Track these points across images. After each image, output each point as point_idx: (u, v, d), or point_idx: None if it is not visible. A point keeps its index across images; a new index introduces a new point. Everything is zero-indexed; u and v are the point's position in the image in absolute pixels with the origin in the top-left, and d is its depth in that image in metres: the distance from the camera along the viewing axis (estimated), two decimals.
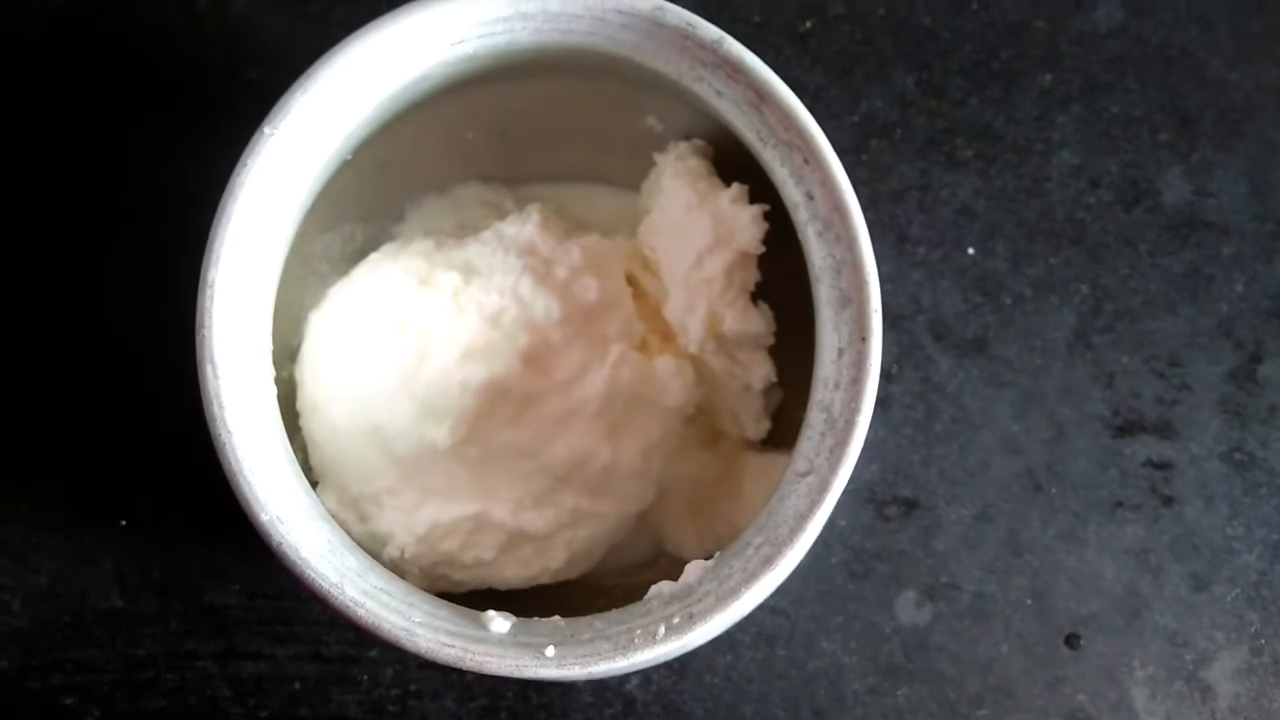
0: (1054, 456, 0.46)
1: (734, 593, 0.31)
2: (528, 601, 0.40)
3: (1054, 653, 0.46)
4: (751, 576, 0.31)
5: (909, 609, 0.46)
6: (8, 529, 0.45)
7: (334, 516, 0.38)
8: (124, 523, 0.45)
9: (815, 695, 0.45)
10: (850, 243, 0.32)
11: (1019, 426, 0.47)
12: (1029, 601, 0.46)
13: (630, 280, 0.40)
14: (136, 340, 0.45)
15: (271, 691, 0.45)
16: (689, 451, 0.42)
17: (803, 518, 0.31)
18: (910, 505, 0.46)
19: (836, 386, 0.32)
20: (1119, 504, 0.46)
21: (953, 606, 0.46)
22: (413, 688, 0.45)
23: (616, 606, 0.42)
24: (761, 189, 0.37)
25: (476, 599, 0.39)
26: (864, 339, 0.32)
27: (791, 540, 0.31)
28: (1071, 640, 0.46)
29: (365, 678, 0.45)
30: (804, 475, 0.32)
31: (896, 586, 0.46)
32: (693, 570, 0.33)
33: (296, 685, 0.45)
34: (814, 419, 0.33)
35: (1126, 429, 0.47)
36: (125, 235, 0.46)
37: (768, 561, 0.31)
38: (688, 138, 0.41)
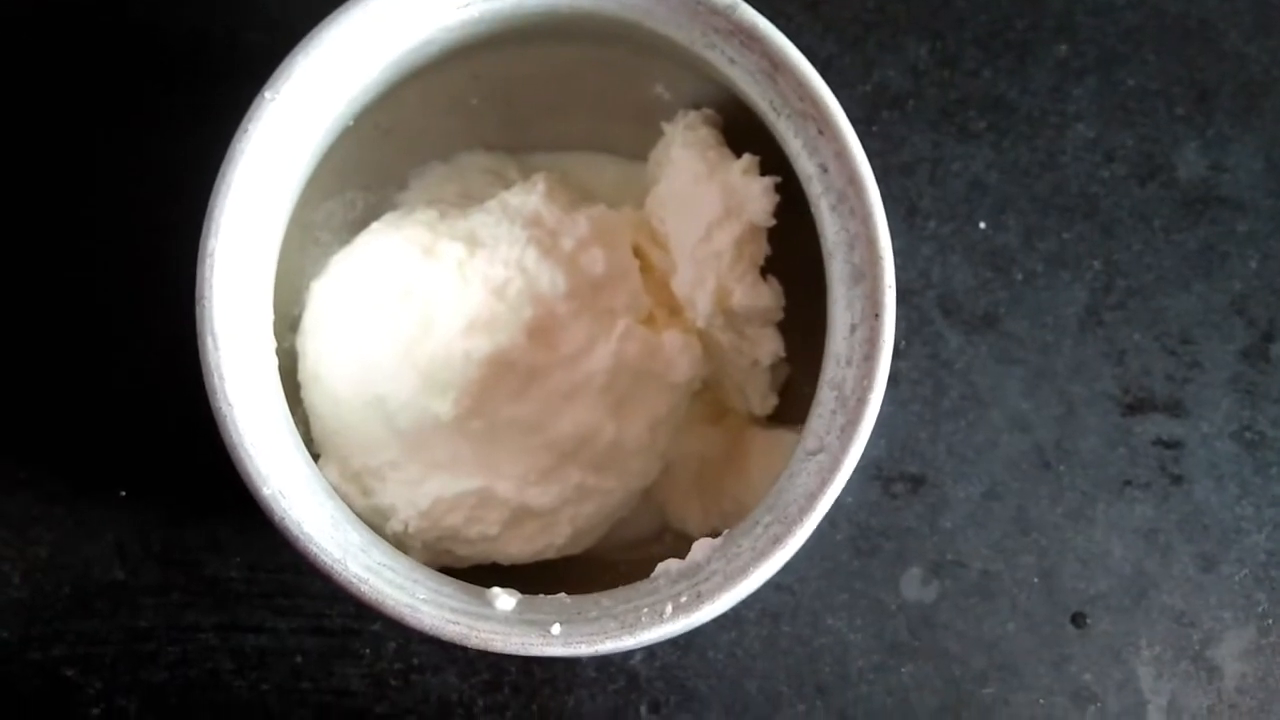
0: (1063, 434, 0.46)
1: (742, 571, 0.31)
2: (532, 577, 0.39)
3: (1060, 631, 0.45)
4: (760, 555, 0.31)
5: (915, 586, 0.46)
6: (8, 500, 0.45)
7: (336, 490, 0.38)
8: (124, 493, 0.45)
9: (820, 672, 0.45)
10: (865, 217, 0.32)
11: (1028, 404, 0.46)
12: (1036, 580, 0.46)
13: (637, 253, 0.40)
14: (136, 309, 0.45)
15: (273, 664, 0.44)
16: (695, 427, 0.42)
17: (812, 496, 0.31)
18: (917, 482, 0.46)
19: (848, 363, 0.32)
20: (1128, 483, 0.46)
21: (959, 584, 0.45)
22: (415, 661, 0.45)
23: (622, 582, 0.42)
24: (772, 159, 0.36)
25: (480, 574, 0.39)
26: (877, 315, 0.31)
27: (801, 519, 0.31)
28: (1078, 619, 0.46)
29: (367, 651, 0.45)
30: (814, 454, 0.32)
31: (902, 564, 0.45)
32: (700, 548, 0.33)
33: (298, 658, 0.44)
34: (825, 396, 0.32)
35: (1136, 407, 0.46)
36: (124, 203, 0.46)
37: (777, 540, 0.31)
38: (697, 107, 0.40)
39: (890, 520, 0.46)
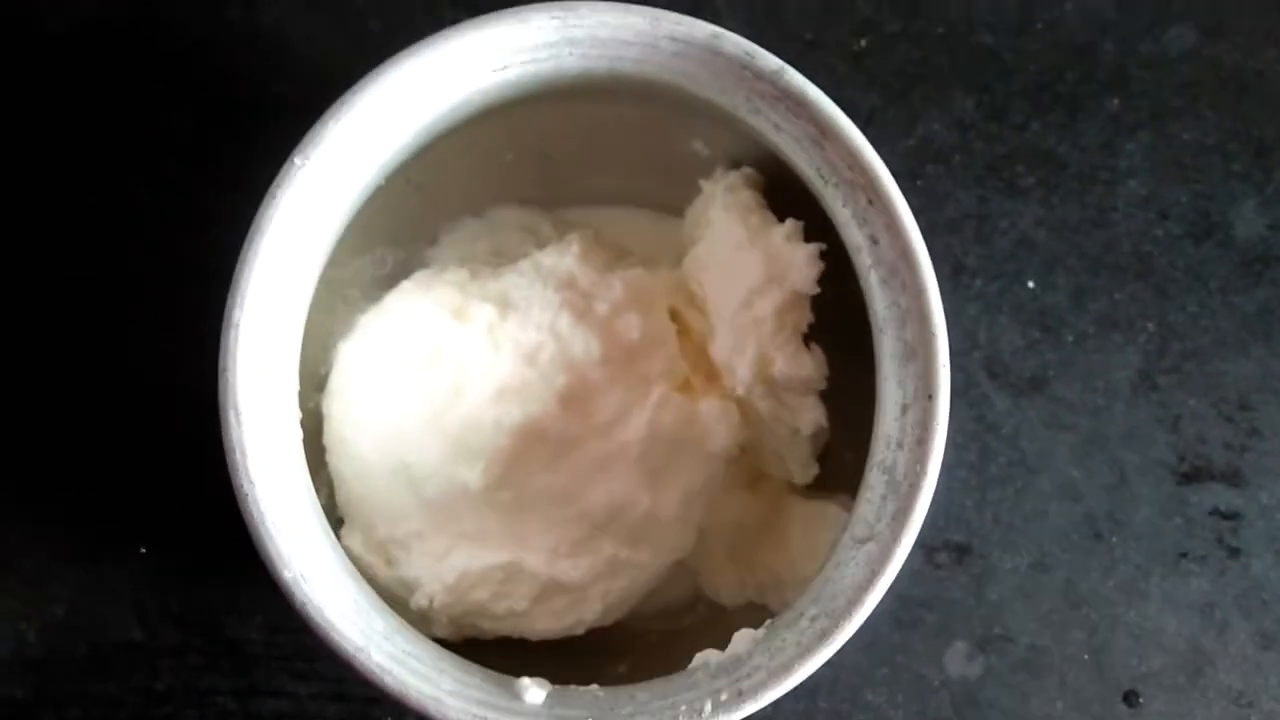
0: (1115, 503, 0.45)
1: (786, 668, 0.29)
2: (558, 646, 0.38)
3: (1111, 711, 0.44)
4: (806, 651, 0.29)
5: (959, 661, 0.44)
6: (25, 558, 0.44)
7: (359, 559, 0.37)
8: (144, 550, 0.44)
9: None
10: (917, 292, 0.30)
11: (1079, 471, 0.45)
12: (1086, 656, 0.44)
13: (674, 316, 0.39)
14: (159, 364, 0.44)
15: None
16: (731, 494, 0.40)
17: (861, 589, 0.29)
18: (962, 552, 0.44)
19: (899, 446, 0.30)
20: (1183, 555, 0.44)
21: (1005, 659, 0.44)
22: None
23: (652, 653, 0.40)
24: (815, 222, 0.35)
25: (507, 643, 0.38)
26: (930, 396, 0.30)
27: (849, 613, 0.29)
28: (1130, 698, 0.44)
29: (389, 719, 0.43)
30: (863, 542, 0.30)
31: (946, 637, 0.44)
32: (741, 640, 0.31)
33: None
34: (874, 480, 0.30)
35: (1192, 475, 0.45)
36: (150, 255, 0.45)
37: (823, 636, 0.29)
38: (736, 163, 0.39)
39: (934, 591, 0.44)
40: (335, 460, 0.38)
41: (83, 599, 0.44)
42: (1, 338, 0.45)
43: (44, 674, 0.43)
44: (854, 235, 0.32)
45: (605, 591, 0.37)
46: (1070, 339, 0.45)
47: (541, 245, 0.40)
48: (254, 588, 0.44)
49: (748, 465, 0.41)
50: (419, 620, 0.37)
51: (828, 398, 0.39)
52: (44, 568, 0.44)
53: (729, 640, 0.33)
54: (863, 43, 0.46)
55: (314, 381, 0.39)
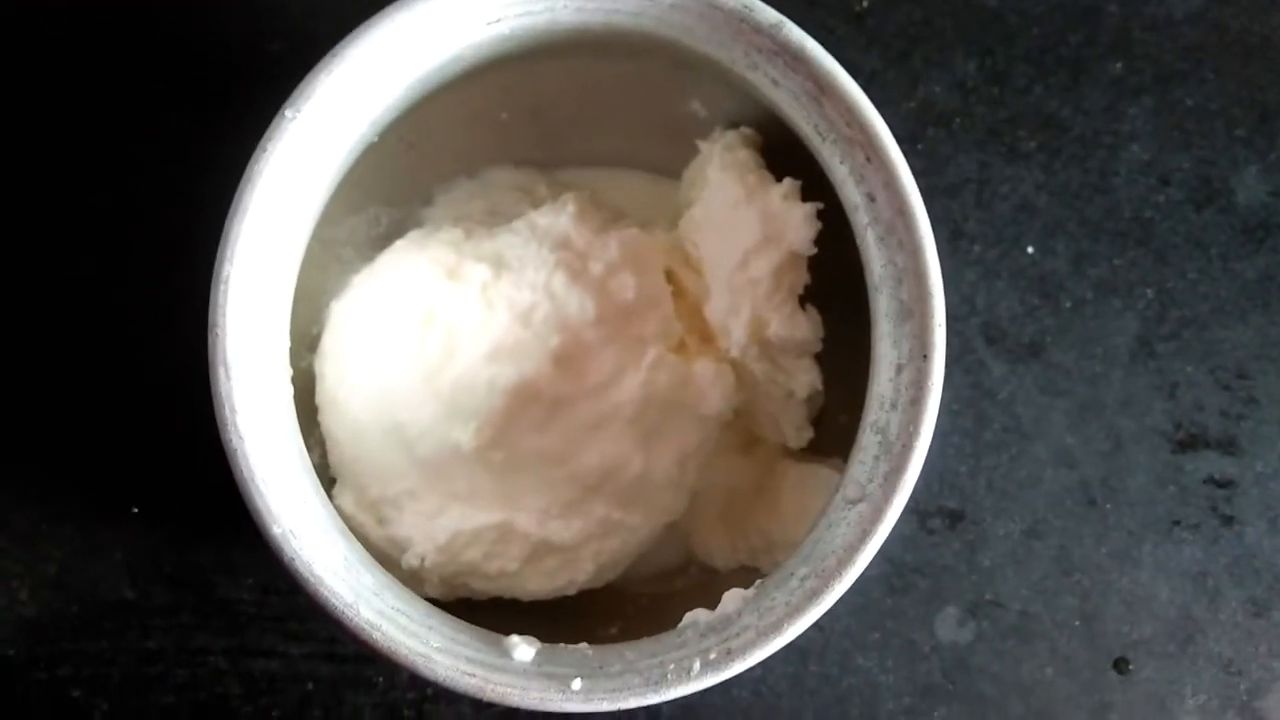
0: (1110, 470, 0.44)
1: (775, 628, 0.29)
2: (550, 608, 0.38)
3: (1101, 677, 0.44)
4: (795, 611, 0.29)
5: (950, 627, 0.44)
6: (17, 516, 0.44)
7: (351, 519, 0.37)
8: (135, 510, 0.44)
9: (848, 714, 0.44)
10: (914, 251, 0.30)
11: (1074, 438, 0.44)
12: (1077, 623, 0.44)
13: (669, 277, 0.38)
14: (152, 325, 0.43)
15: (283, 690, 0.43)
16: (724, 457, 0.40)
17: (852, 549, 0.29)
18: (955, 517, 0.44)
19: (893, 406, 0.30)
20: (1177, 523, 0.44)
21: (996, 626, 0.44)
22: (429, 691, 0.43)
23: (643, 615, 0.40)
24: (813, 182, 0.35)
25: (499, 605, 0.37)
26: (925, 356, 0.30)
27: (839, 573, 0.29)
28: (1120, 665, 0.44)
29: (380, 679, 0.43)
30: (854, 502, 0.30)
31: (938, 603, 0.44)
32: (731, 600, 0.31)
33: (309, 685, 0.43)
34: (867, 441, 0.30)
35: (1188, 443, 0.45)
36: (142, 216, 0.44)
37: (813, 595, 0.29)
38: (734, 124, 0.39)
39: (926, 557, 0.44)
40: (327, 420, 0.37)
41: (75, 558, 0.43)
42: None
43: (35, 632, 0.43)
44: (851, 193, 0.31)
45: (597, 552, 0.37)
46: (1069, 305, 0.45)
47: (537, 205, 0.40)
48: (246, 548, 0.44)
49: (742, 429, 0.41)
50: (410, 580, 0.36)
51: (823, 360, 0.39)
52: (36, 526, 0.43)
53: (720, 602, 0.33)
54: (864, 3, 0.45)
55: (307, 341, 0.39)
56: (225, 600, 0.43)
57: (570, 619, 0.38)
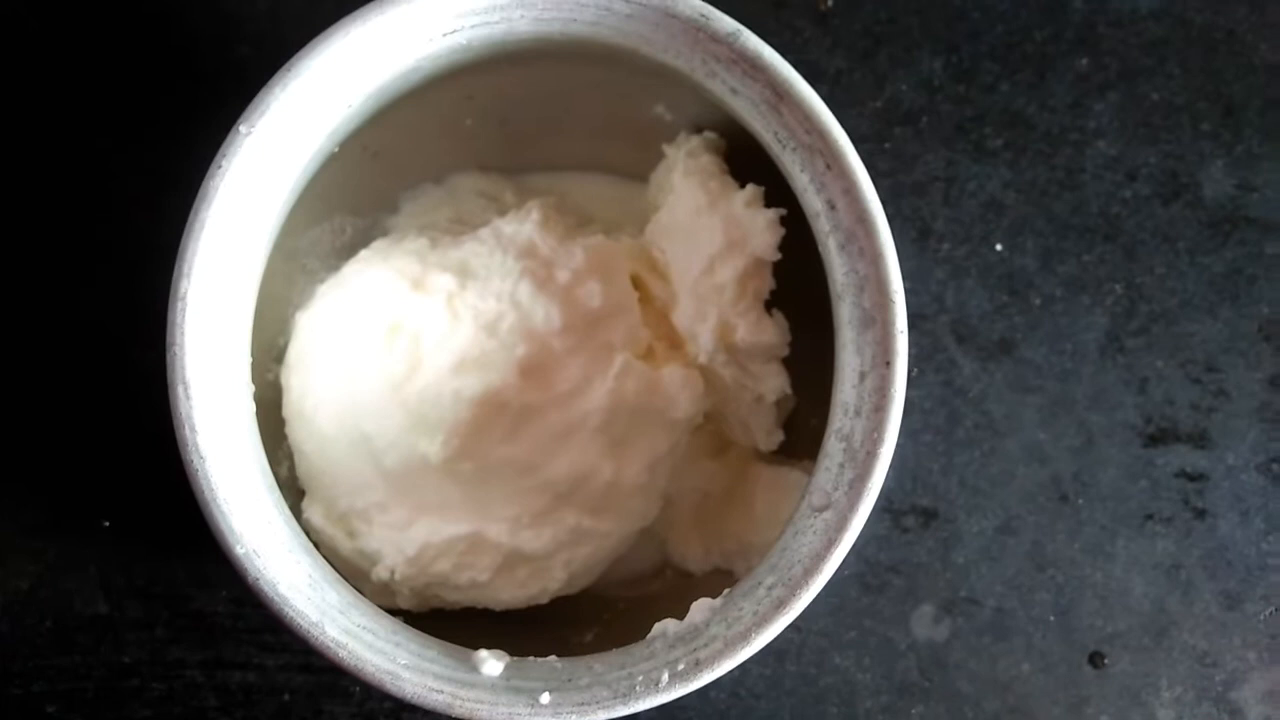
0: (1082, 466, 0.44)
1: (743, 637, 0.29)
2: (525, 615, 0.38)
3: (1077, 672, 0.44)
4: (763, 620, 0.29)
5: (926, 624, 0.44)
6: None
7: (321, 532, 0.36)
8: (107, 524, 0.43)
9: (826, 713, 0.44)
10: (875, 258, 0.30)
11: (1046, 434, 0.45)
12: (1052, 618, 0.44)
13: (636, 283, 0.38)
14: (118, 334, 0.43)
15: (260, 702, 0.43)
16: (696, 461, 0.40)
17: (818, 558, 0.29)
18: (929, 516, 0.44)
19: (857, 414, 0.30)
20: (1149, 517, 0.44)
21: (972, 622, 0.44)
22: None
23: (620, 620, 0.40)
24: (778, 187, 0.35)
25: (473, 613, 0.37)
26: (888, 363, 0.30)
27: (806, 581, 0.29)
28: (1096, 659, 0.44)
29: (357, 690, 0.43)
30: (820, 510, 0.30)
31: (913, 601, 0.44)
32: (699, 609, 0.31)
33: (286, 696, 0.43)
34: (832, 448, 0.30)
35: (1159, 438, 0.45)
36: (107, 223, 0.44)
37: (780, 604, 0.29)
38: (699, 129, 0.39)
39: (900, 555, 0.44)
40: (295, 432, 0.37)
41: (47, 573, 0.43)
42: None
43: (9, 648, 0.43)
44: (811, 200, 0.31)
45: (568, 561, 0.37)
46: (1038, 302, 0.45)
47: (503, 212, 0.40)
48: (220, 561, 0.42)
49: (713, 433, 0.41)
50: (382, 592, 0.36)
51: (793, 364, 0.38)
52: (7, 542, 0.43)
53: None
54: (829, 3, 0.45)
55: (273, 353, 0.39)
56: (200, 613, 0.43)
57: (545, 626, 0.38)
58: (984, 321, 0.45)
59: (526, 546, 0.36)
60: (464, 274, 0.37)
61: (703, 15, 0.31)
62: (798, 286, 0.37)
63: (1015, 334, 0.45)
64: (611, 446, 0.37)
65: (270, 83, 0.30)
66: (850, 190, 0.30)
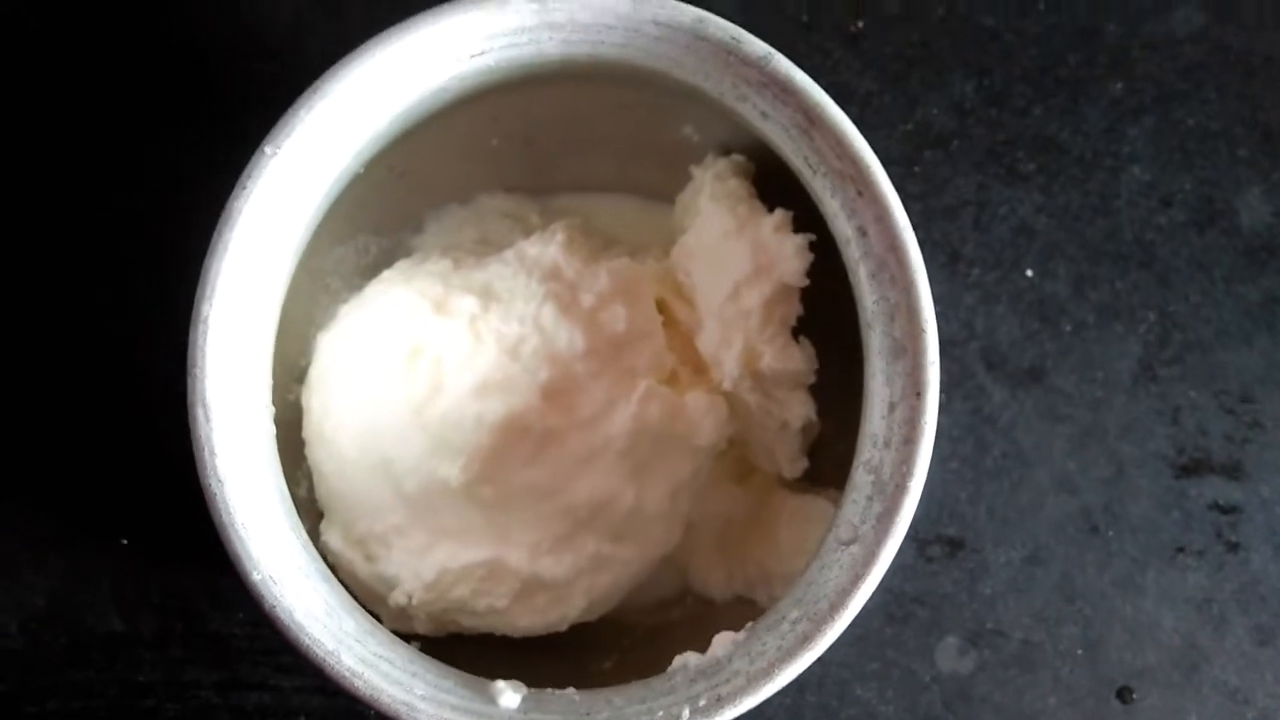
0: (1112, 497, 0.44)
1: (766, 673, 0.29)
2: (543, 641, 0.37)
3: (1105, 707, 0.43)
4: (787, 656, 0.29)
5: (951, 656, 0.43)
6: (4, 546, 0.43)
7: (339, 555, 0.36)
8: (124, 541, 0.43)
9: None
10: (906, 287, 0.29)
11: (1075, 464, 0.44)
12: (1080, 652, 0.43)
13: (661, 307, 0.38)
14: (139, 349, 0.43)
15: None
16: (719, 486, 0.40)
17: (845, 593, 0.29)
18: (955, 545, 0.44)
19: (886, 445, 0.29)
20: (1181, 549, 0.44)
21: (998, 655, 0.43)
22: None
23: (639, 648, 0.40)
24: (807, 212, 0.34)
25: (490, 637, 0.37)
26: (919, 394, 0.29)
27: (832, 617, 0.29)
28: (1124, 694, 0.43)
29: (373, 712, 0.43)
30: (847, 544, 0.29)
31: (938, 632, 0.43)
32: (721, 643, 0.30)
33: (301, 718, 0.43)
34: (860, 480, 0.30)
35: (1192, 469, 0.44)
36: (128, 239, 0.44)
37: (805, 640, 0.29)
38: (727, 150, 0.38)
39: (926, 585, 0.44)
40: (315, 454, 0.37)
41: (63, 589, 0.43)
42: None
43: (23, 665, 0.43)
44: (842, 227, 0.31)
45: (589, 588, 0.36)
46: (1069, 329, 0.44)
47: (528, 233, 0.39)
48: (236, 579, 0.43)
49: (736, 458, 0.40)
50: (398, 617, 0.36)
51: (819, 390, 0.38)
52: (24, 558, 0.43)
53: (716, 634, 0.32)
54: (860, 24, 0.45)
55: (294, 372, 0.38)
56: (216, 633, 0.43)
57: (563, 652, 0.38)
58: (1014, 348, 0.44)
59: (546, 573, 0.36)
60: (487, 296, 0.36)
61: (734, 38, 0.30)
62: (823, 311, 0.36)
63: (1046, 361, 0.44)
64: (634, 472, 0.36)
65: (296, 103, 0.30)
66: (882, 217, 0.30)
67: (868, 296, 0.30)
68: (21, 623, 0.43)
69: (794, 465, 0.39)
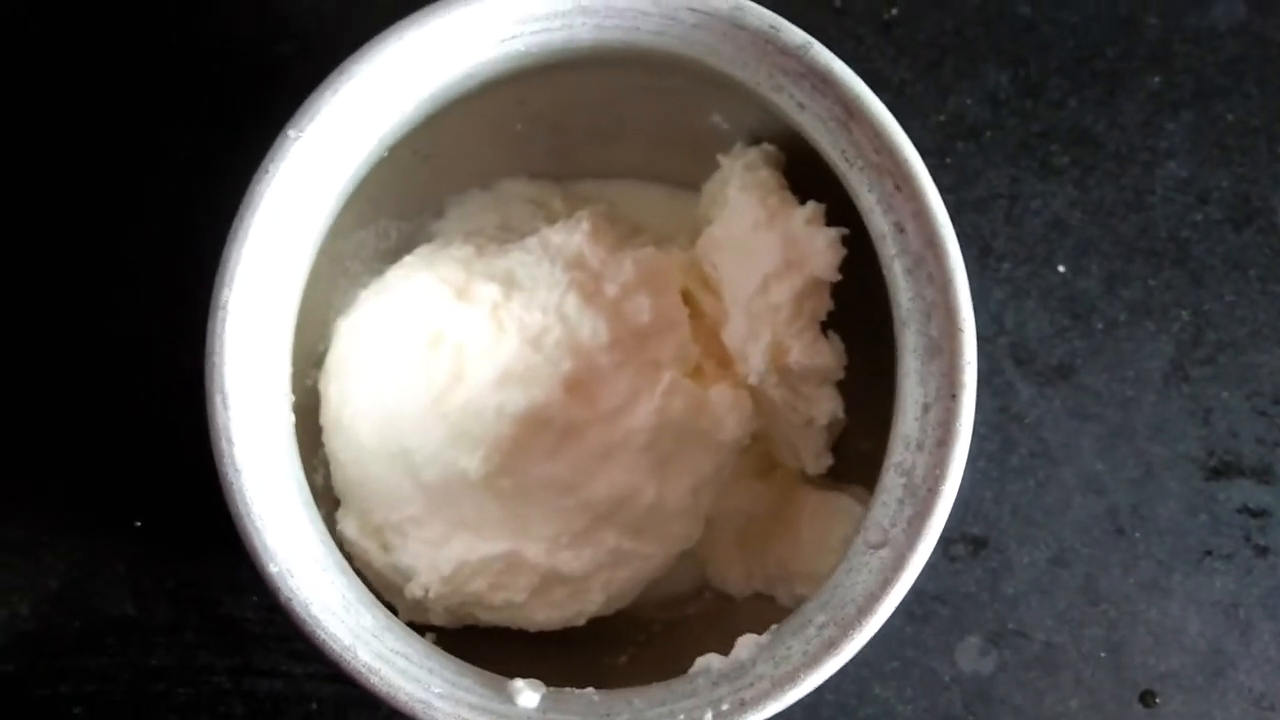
0: (1140, 498, 0.43)
1: (791, 678, 0.28)
2: (559, 634, 0.37)
3: (1127, 711, 0.43)
4: (812, 661, 0.28)
5: (971, 656, 0.43)
6: (18, 528, 0.43)
7: (354, 544, 0.36)
8: (138, 524, 0.43)
9: None
10: (944, 284, 0.28)
11: (1103, 464, 0.43)
12: (1103, 654, 0.43)
13: (686, 298, 0.37)
14: (155, 333, 0.42)
15: (287, 711, 0.42)
16: (741, 481, 0.39)
17: (873, 598, 0.28)
18: (979, 544, 0.43)
19: (919, 448, 0.29)
20: (1208, 552, 0.43)
21: (1019, 656, 0.43)
22: None
23: (655, 643, 0.39)
24: (838, 204, 0.33)
25: (506, 629, 0.36)
26: (954, 395, 0.28)
27: (860, 622, 0.28)
28: (1147, 698, 0.43)
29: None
30: (876, 547, 0.28)
31: (959, 631, 0.43)
32: (744, 646, 0.30)
33: (313, 705, 0.42)
34: (890, 482, 0.29)
35: (1221, 471, 0.43)
36: (148, 223, 0.43)
37: (831, 645, 0.28)
38: (756, 138, 0.37)
39: (948, 584, 0.43)
40: (332, 441, 0.36)
41: (76, 572, 0.43)
42: None
43: (36, 648, 0.42)
44: (878, 222, 0.30)
45: (607, 583, 0.36)
46: (1100, 326, 0.44)
47: (551, 220, 0.39)
48: (250, 566, 0.43)
49: (759, 453, 0.39)
50: (414, 608, 0.36)
51: (845, 384, 0.37)
52: (37, 540, 0.43)
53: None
54: (893, 11, 0.44)
55: (313, 358, 0.38)
56: (229, 618, 0.42)
57: (578, 646, 0.37)
58: (1043, 345, 0.44)
59: (565, 567, 0.35)
60: (510, 284, 0.36)
61: (772, 26, 0.29)
62: (851, 304, 0.36)
63: (1075, 359, 0.44)
64: (655, 467, 0.35)
65: (321, 86, 0.29)
66: (920, 213, 0.29)
67: (903, 293, 0.29)
68: (34, 605, 0.42)
69: (818, 461, 0.38)
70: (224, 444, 0.28)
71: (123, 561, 0.43)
